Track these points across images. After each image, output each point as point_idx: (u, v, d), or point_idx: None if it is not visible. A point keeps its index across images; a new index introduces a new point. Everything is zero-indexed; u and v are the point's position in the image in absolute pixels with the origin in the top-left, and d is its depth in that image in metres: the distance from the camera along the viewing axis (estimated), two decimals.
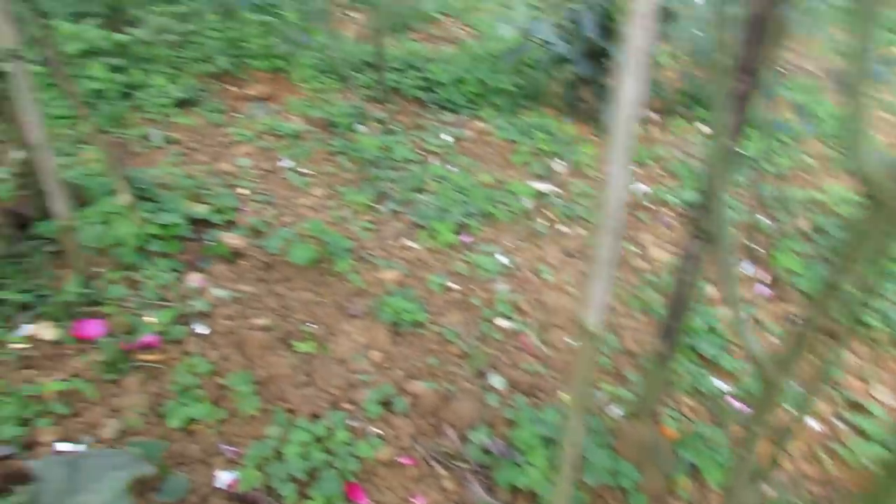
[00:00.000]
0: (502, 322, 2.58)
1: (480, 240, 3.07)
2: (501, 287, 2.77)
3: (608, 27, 4.07)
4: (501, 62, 4.83)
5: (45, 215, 2.60)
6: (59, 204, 2.10)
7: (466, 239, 3.03)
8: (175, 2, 4.44)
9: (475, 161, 3.78)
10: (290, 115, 3.98)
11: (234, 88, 4.22)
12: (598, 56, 4.20)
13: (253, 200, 3.11)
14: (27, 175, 2.70)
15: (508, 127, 4.20)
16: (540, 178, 3.72)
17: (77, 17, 4.13)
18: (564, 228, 3.32)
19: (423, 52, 5.01)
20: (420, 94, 4.43)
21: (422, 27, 5.99)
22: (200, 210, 2.86)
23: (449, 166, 3.65)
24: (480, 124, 4.24)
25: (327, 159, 3.60)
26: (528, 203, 3.41)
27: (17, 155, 3.18)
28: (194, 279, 2.51)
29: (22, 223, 2.54)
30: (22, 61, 1.77)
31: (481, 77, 4.62)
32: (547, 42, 4.29)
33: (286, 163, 3.50)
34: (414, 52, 4.92)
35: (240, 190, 3.19)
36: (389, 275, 2.71)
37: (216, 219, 2.87)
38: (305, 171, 3.47)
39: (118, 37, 3.90)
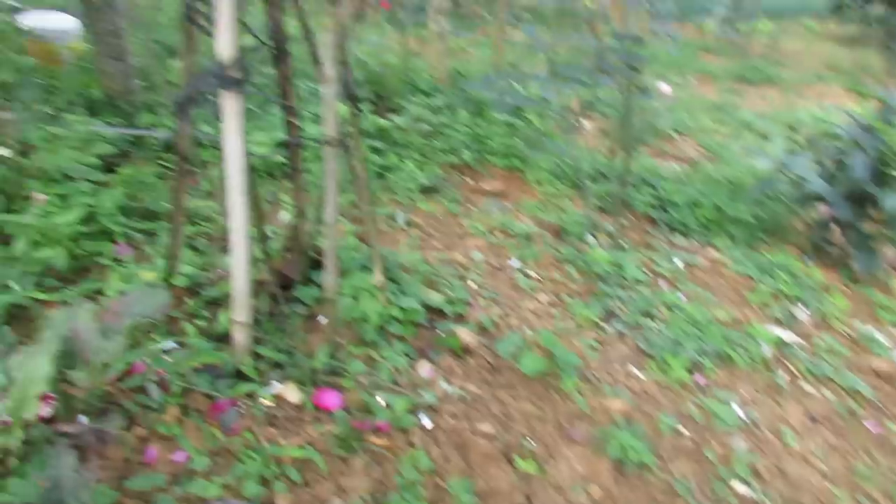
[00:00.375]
0: (739, 486, 2.31)
1: (715, 383, 2.83)
2: (738, 444, 2.50)
3: (882, 172, 3.72)
4: (741, 189, 4.60)
5: (306, 280, 2.81)
6: (329, 277, 2.24)
7: (700, 380, 2.81)
8: (432, 95, 4.80)
9: (707, 293, 3.55)
10: (522, 215, 4.05)
11: (471, 181, 4.41)
12: (862, 200, 3.84)
13: (481, 296, 3.15)
14: (294, 239, 2.96)
15: (745, 261, 3.93)
16: (780, 323, 3.40)
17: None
18: (808, 387, 2.97)
19: (655, 169, 4.92)
20: (651, 211, 4.32)
21: (654, 142, 5.93)
22: (435, 298, 2.94)
23: (680, 294, 3.46)
24: (714, 253, 4.02)
25: (555, 265, 3.57)
26: (768, 351, 3.11)
27: (285, 218, 3.52)
28: (424, 368, 2.55)
29: (284, 284, 2.76)
30: (337, 146, 1.94)
31: (717, 202, 4.42)
32: (802, 178, 4.01)
33: (514, 262, 3.53)
34: (648, 169, 4.85)
35: (469, 283, 3.24)
36: (615, 404, 2.56)
37: (448, 310, 2.92)
38: (532, 273, 3.46)
39: (381, 122, 4.27)
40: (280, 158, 3.98)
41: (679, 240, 4.12)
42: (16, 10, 5.80)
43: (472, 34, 6.70)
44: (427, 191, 4.05)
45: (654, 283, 3.56)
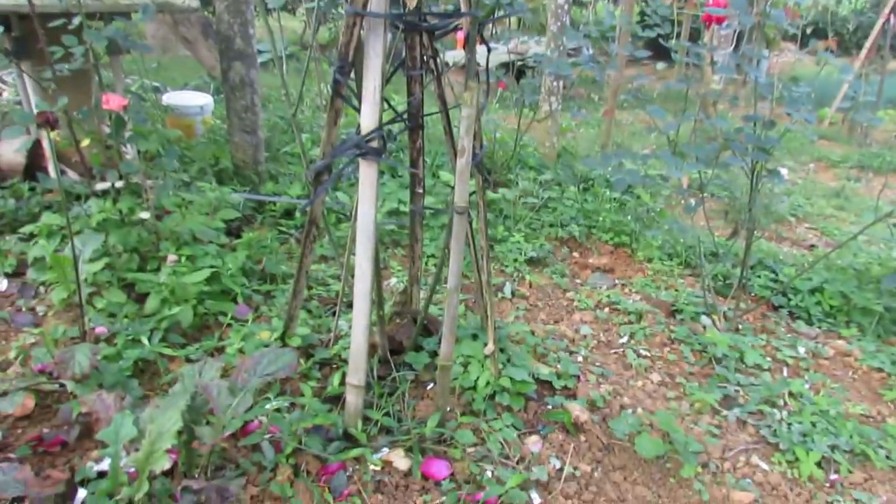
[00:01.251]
0: None
1: (850, 483, 2.58)
2: None
3: None
4: (867, 278, 4.31)
5: (416, 346, 2.83)
6: (446, 343, 2.24)
7: (834, 477, 2.57)
8: (541, 171, 4.85)
9: (836, 384, 3.29)
10: (631, 291, 3.95)
11: (576, 255, 4.37)
12: None
13: (590, 371, 3.06)
14: (405, 305, 3.00)
15: (876, 353, 3.64)
16: None
17: None
18: None
19: (774, 252, 4.71)
20: (769, 295, 4.11)
21: (770, 226, 5.71)
22: (544, 371, 2.88)
23: (805, 384, 3.23)
24: (840, 343, 3.75)
25: (667, 345, 3.44)
26: None
27: (395, 284, 3.58)
28: (534, 442, 2.47)
29: (394, 349, 2.79)
30: (465, 215, 1.98)
31: (842, 290, 4.15)
32: None
33: (624, 339, 3.43)
34: (766, 252, 4.65)
35: (578, 357, 3.16)
36: (741, 496, 2.38)
37: (557, 383, 2.85)
38: (643, 352, 3.34)
39: (490, 195, 4.34)
40: (390, 227, 4.11)
41: (801, 327, 3.88)
42: (157, 90, 6.44)
43: (580, 114, 6.81)
44: (534, 263, 4.04)
45: (775, 370, 3.35)
